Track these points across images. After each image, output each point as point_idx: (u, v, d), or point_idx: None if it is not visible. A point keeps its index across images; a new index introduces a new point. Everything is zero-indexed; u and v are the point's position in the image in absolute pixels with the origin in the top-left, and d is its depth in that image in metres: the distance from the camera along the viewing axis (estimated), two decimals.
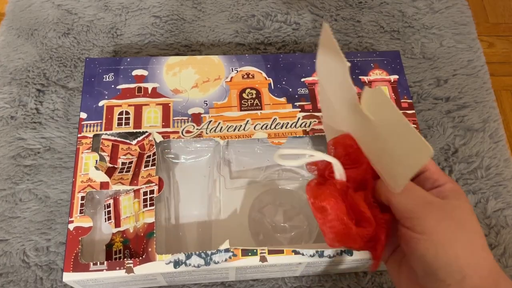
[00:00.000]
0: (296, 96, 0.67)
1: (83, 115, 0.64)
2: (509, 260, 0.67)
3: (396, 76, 0.69)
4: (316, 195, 0.47)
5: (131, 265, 0.54)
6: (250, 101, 0.66)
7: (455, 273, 0.39)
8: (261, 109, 0.65)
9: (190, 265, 0.55)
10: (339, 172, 0.47)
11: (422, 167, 0.46)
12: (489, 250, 0.41)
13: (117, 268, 0.54)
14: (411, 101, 0.67)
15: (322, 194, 0.46)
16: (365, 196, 0.47)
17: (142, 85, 0.66)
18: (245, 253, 0.56)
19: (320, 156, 0.47)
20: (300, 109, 0.66)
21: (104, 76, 0.67)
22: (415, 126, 0.65)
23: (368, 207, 0.46)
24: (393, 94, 0.68)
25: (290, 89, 0.67)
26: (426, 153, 0.38)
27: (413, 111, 0.66)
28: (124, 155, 0.63)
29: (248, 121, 0.64)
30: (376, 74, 0.69)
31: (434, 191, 0.45)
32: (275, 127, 0.64)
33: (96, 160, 0.61)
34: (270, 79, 0.68)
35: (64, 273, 0.54)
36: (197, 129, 0.63)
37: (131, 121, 0.63)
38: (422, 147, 0.38)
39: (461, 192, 0.44)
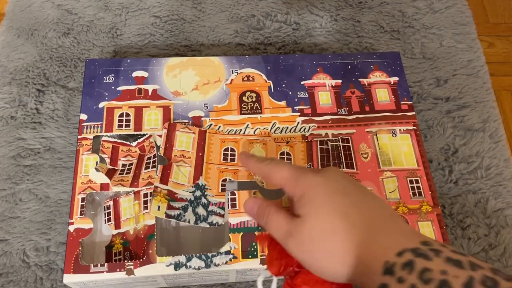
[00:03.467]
0: (296, 99, 0.67)
1: (83, 116, 0.64)
2: (509, 260, 0.67)
3: (396, 78, 0.69)
4: None
5: (132, 267, 0.54)
6: (250, 105, 0.66)
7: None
8: (261, 112, 0.65)
9: (190, 267, 0.55)
10: None
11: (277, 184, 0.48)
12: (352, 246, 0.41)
13: (118, 270, 0.54)
14: (411, 102, 0.67)
15: None
16: None
17: (142, 86, 0.66)
18: (246, 255, 0.56)
19: None
20: (299, 113, 0.66)
21: (104, 77, 0.67)
22: (415, 128, 0.65)
23: None
24: (393, 96, 0.68)
25: (290, 92, 0.67)
26: None
27: (413, 113, 0.66)
28: (125, 157, 0.63)
29: (248, 125, 0.64)
30: (376, 76, 0.69)
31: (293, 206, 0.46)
32: (274, 132, 0.64)
33: (96, 162, 0.61)
34: (270, 81, 0.68)
35: (65, 275, 0.54)
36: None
37: (132, 123, 0.63)
38: None
39: (306, 194, 0.45)
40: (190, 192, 0.59)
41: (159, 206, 0.58)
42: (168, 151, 0.61)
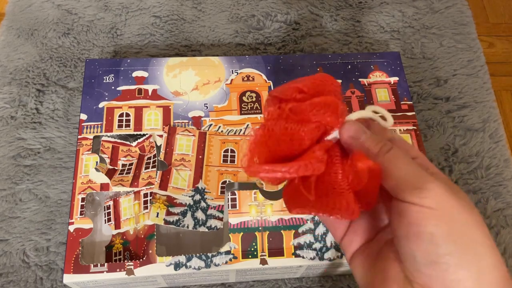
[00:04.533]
0: None
1: (83, 116, 0.64)
2: (509, 260, 0.67)
3: (396, 78, 0.69)
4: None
5: (132, 267, 0.55)
6: (250, 105, 0.66)
7: (472, 258, 0.32)
8: (261, 113, 0.65)
9: (190, 267, 0.55)
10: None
11: (413, 153, 0.40)
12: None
13: (118, 270, 0.55)
14: (411, 102, 0.67)
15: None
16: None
17: (142, 86, 0.66)
18: (246, 255, 0.56)
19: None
20: None
21: (104, 77, 0.67)
22: (415, 128, 0.65)
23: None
24: (393, 96, 0.68)
25: None
26: None
27: (413, 113, 0.66)
28: (125, 157, 0.63)
29: (248, 125, 0.64)
30: (376, 76, 0.69)
31: None
32: None
33: (96, 162, 0.61)
34: (270, 81, 0.68)
35: (65, 275, 0.54)
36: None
37: (132, 124, 0.63)
38: None
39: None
40: (189, 197, 0.59)
41: (157, 213, 0.58)
42: (168, 156, 0.61)
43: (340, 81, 0.69)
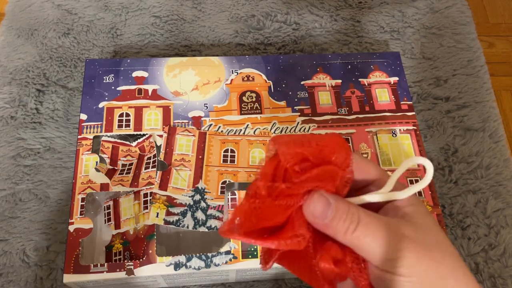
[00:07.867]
0: (296, 99, 0.67)
1: (83, 116, 0.64)
2: (509, 260, 0.67)
3: (396, 78, 0.69)
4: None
5: (132, 267, 0.55)
6: (250, 105, 0.66)
7: None
8: (260, 113, 0.65)
9: (190, 267, 0.55)
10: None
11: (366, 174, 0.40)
12: (471, 274, 0.37)
13: (118, 270, 0.55)
14: (411, 102, 0.67)
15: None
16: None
17: (142, 86, 0.66)
18: (246, 255, 0.56)
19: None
20: (299, 113, 0.66)
21: (104, 77, 0.67)
22: (415, 128, 0.65)
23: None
24: (393, 96, 0.68)
25: (290, 93, 0.67)
26: None
27: (413, 113, 0.66)
28: (125, 157, 0.63)
29: (248, 125, 0.64)
30: (376, 76, 0.69)
31: (389, 206, 0.40)
32: (274, 132, 0.64)
33: (96, 162, 0.61)
34: (270, 81, 0.68)
35: (65, 275, 0.54)
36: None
37: (132, 124, 0.63)
38: None
39: (418, 201, 0.40)
40: (189, 197, 0.59)
41: (157, 213, 0.58)
42: (168, 156, 0.61)
43: (340, 81, 0.69)
